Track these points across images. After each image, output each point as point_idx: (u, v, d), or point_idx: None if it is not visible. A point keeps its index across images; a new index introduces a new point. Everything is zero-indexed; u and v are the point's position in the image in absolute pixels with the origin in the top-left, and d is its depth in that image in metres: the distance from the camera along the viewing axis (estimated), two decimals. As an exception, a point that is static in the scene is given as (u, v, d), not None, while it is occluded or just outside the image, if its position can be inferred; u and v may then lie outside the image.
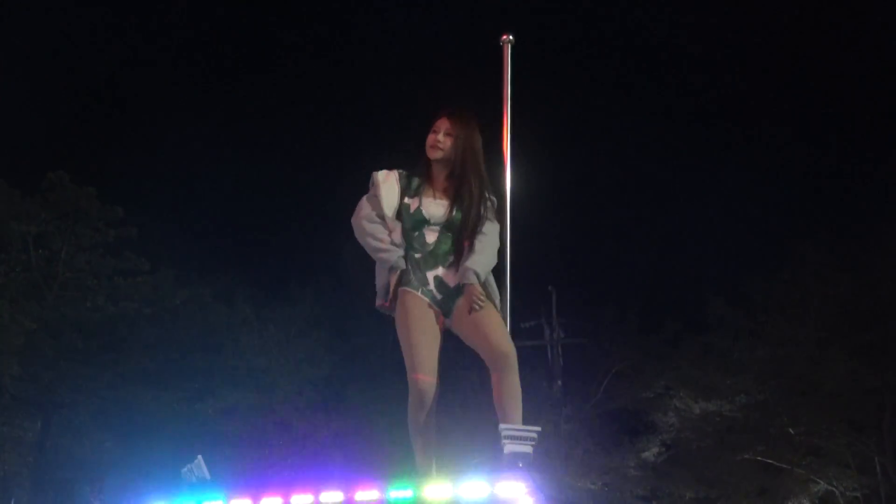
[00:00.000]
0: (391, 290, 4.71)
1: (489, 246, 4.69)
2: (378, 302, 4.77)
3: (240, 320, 24.07)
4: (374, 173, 4.79)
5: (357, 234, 4.79)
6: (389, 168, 4.84)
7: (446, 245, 4.70)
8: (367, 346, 26.87)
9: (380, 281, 4.77)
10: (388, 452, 20.78)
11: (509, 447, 4.12)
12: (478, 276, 4.58)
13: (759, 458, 24.52)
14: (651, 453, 27.24)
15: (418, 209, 4.74)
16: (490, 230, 4.71)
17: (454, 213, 4.71)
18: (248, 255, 30.80)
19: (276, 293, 26.00)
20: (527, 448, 4.13)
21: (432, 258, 4.69)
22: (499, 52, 5.16)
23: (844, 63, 40.10)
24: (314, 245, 29.63)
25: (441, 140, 4.72)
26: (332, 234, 28.27)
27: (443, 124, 4.75)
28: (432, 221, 4.72)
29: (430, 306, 4.66)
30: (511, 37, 5.14)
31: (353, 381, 25.08)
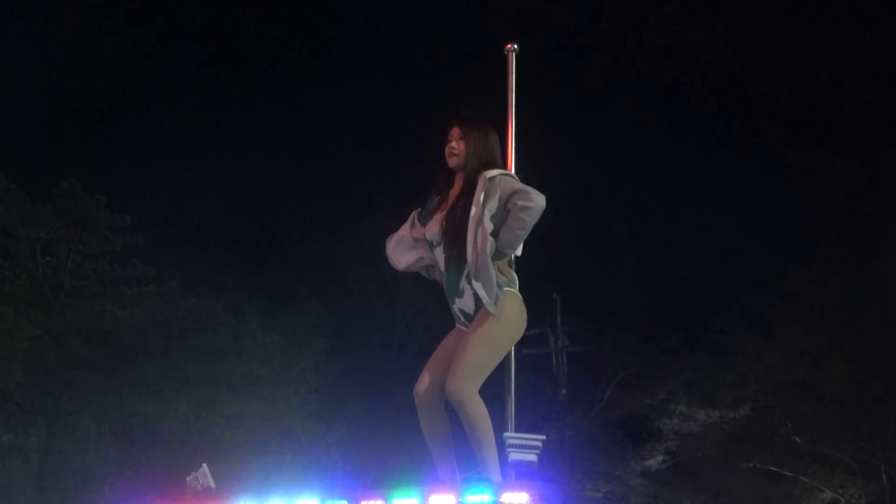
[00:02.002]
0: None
1: (484, 270, 4.48)
2: None
3: (245, 329, 24.06)
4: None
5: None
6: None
7: (456, 275, 4.62)
8: (371, 355, 26.89)
9: None
10: (393, 461, 20.77)
11: (514, 455, 4.13)
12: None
13: (763, 466, 24.48)
14: (655, 461, 27.22)
15: (425, 234, 4.81)
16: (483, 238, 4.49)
17: (446, 224, 4.68)
18: (253, 263, 30.76)
19: (281, 302, 26.00)
20: (531, 456, 4.13)
21: (450, 292, 4.66)
22: (504, 59, 5.18)
23: (842, 72, 40.07)
24: (320, 254, 29.57)
25: (455, 146, 4.73)
26: (338, 244, 28.32)
27: (455, 131, 4.76)
28: (434, 242, 4.73)
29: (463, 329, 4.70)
30: (515, 45, 5.16)
31: (357, 390, 25.08)
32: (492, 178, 4.57)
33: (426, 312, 26.58)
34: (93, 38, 39.66)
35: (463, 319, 4.62)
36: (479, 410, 4.38)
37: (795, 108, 41.22)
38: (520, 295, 4.58)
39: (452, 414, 4.61)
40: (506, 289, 4.51)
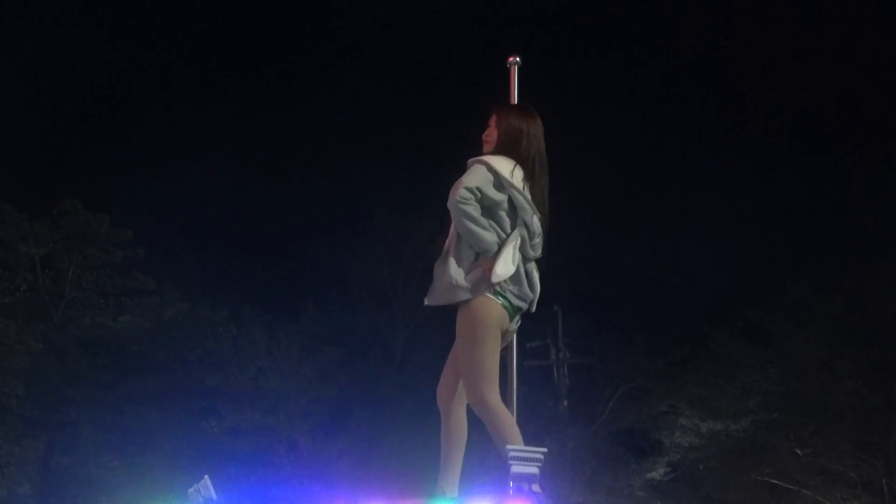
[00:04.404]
0: None
1: (446, 268, 4.49)
2: None
3: (247, 340, 24.05)
4: None
5: None
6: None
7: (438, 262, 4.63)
8: (373, 369, 26.85)
9: None
10: (395, 473, 20.73)
11: (515, 467, 4.11)
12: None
13: (766, 478, 24.42)
14: (657, 473, 27.14)
15: None
16: (459, 230, 4.47)
17: None
18: (255, 276, 30.81)
19: (284, 313, 26.00)
20: (533, 468, 4.11)
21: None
22: (506, 72, 5.19)
23: (841, 88, 40.25)
24: (323, 264, 29.59)
25: (489, 132, 4.72)
26: (339, 258, 28.27)
27: (493, 119, 4.74)
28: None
29: None
30: (518, 58, 5.16)
31: (361, 401, 25.04)
32: (469, 163, 4.54)
33: (428, 327, 26.58)
34: (92, 54, 39.80)
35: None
36: (501, 418, 4.32)
37: (793, 125, 41.34)
38: (499, 301, 4.43)
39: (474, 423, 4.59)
40: (475, 298, 4.41)
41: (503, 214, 4.47)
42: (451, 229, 4.54)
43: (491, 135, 4.69)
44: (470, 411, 4.56)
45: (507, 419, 4.35)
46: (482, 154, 4.64)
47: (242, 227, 35.00)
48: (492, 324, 4.42)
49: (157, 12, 44.34)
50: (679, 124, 41.66)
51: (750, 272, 30.89)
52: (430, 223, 26.99)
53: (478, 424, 4.55)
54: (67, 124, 37.82)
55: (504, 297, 4.45)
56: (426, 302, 4.54)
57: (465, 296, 4.39)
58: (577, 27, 44.11)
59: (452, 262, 4.45)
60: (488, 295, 4.42)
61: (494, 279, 4.37)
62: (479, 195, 4.40)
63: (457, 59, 43.58)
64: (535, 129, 4.68)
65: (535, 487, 4.06)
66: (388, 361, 27.33)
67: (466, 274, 4.42)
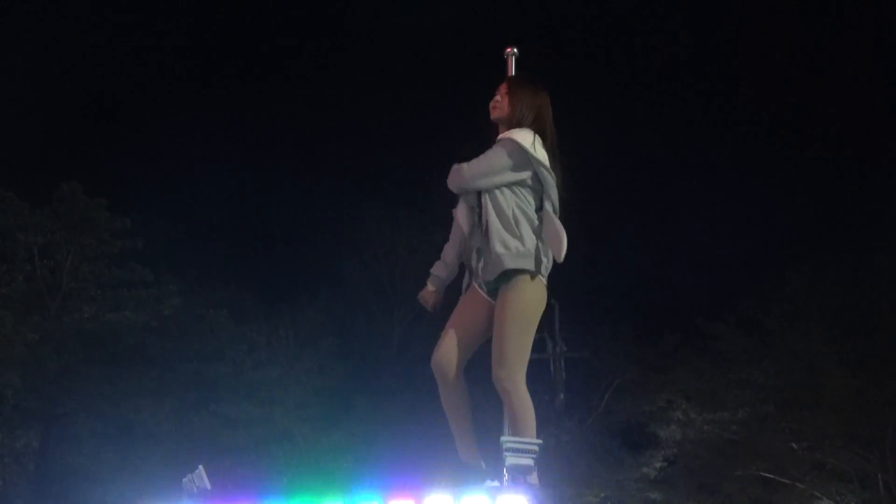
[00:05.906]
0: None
1: (495, 244, 4.44)
2: None
3: (244, 332, 24.04)
4: None
5: None
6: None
7: (476, 238, 4.56)
8: (370, 360, 26.87)
9: None
10: (392, 464, 20.76)
11: (510, 459, 4.11)
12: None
13: (761, 472, 24.43)
14: (653, 467, 27.16)
15: None
16: (504, 206, 4.46)
17: None
18: (253, 266, 30.81)
19: (281, 305, 26.00)
20: (528, 460, 4.12)
21: (473, 248, 4.59)
22: (504, 63, 5.17)
23: (839, 74, 40.22)
24: (320, 256, 29.61)
25: (499, 99, 4.68)
26: (339, 245, 28.29)
27: (502, 87, 4.71)
28: (469, 197, 4.63)
29: (481, 292, 4.57)
30: (515, 50, 5.15)
31: (358, 393, 25.06)
32: (499, 140, 4.53)
33: (425, 318, 26.56)
34: (91, 42, 39.73)
35: (480, 279, 4.55)
36: (525, 404, 4.37)
37: (791, 115, 41.32)
38: (545, 283, 4.52)
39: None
40: (534, 279, 4.45)
41: (527, 190, 4.50)
42: (487, 206, 4.46)
43: (502, 103, 4.65)
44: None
45: (530, 410, 4.38)
46: (491, 118, 4.66)
47: (240, 220, 34.99)
48: (541, 311, 4.52)
49: (158, 3, 44.30)
50: (674, 115, 41.68)
51: (746, 265, 30.97)
52: (426, 216, 27.03)
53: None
54: (66, 114, 37.77)
55: (545, 278, 4.54)
56: (483, 278, 4.48)
57: (530, 266, 4.41)
58: (574, 18, 44.08)
59: (525, 228, 4.43)
60: (542, 278, 4.48)
61: (560, 260, 4.52)
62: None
63: (452, 51, 43.54)
64: (546, 101, 4.70)
65: (531, 479, 4.07)
66: (385, 353, 27.36)
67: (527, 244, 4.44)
